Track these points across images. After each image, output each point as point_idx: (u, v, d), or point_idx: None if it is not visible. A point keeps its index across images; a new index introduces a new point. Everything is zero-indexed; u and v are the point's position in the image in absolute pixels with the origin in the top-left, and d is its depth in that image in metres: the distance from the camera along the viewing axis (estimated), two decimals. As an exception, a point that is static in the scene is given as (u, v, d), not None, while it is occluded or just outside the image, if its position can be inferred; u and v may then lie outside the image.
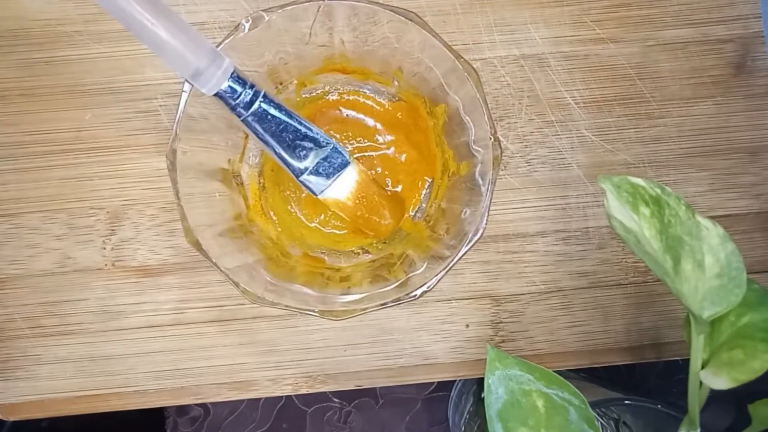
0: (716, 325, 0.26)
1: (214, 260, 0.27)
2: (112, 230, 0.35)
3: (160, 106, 0.35)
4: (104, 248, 0.35)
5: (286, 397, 0.36)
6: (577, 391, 0.25)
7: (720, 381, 0.25)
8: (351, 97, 0.33)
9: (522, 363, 0.26)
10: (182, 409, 0.36)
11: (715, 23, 0.36)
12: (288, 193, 0.33)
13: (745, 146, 0.36)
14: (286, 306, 0.27)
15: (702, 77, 0.36)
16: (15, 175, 0.35)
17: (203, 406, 0.36)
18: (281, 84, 0.32)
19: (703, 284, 0.25)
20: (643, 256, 0.24)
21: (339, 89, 0.33)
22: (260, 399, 0.36)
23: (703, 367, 0.26)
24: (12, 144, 0.35)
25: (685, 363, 0.36)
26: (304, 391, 0.35)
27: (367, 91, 0.33)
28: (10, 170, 0.35)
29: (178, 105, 0.26)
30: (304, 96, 0.33)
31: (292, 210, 0.33)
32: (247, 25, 0.26)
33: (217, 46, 0.26)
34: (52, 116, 0.35)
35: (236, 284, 0.27)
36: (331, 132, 0.33)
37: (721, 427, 0.35)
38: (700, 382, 0.26)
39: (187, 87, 0.26)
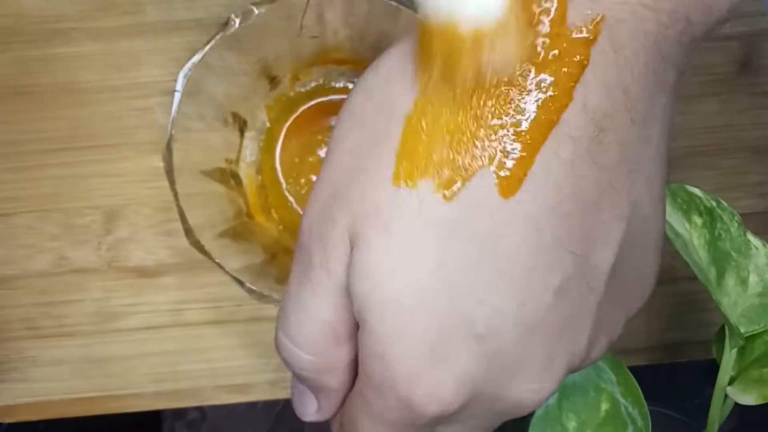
0: (749, 342, 0.26)
1: (217, 260, 0.27)
2: (108, 230, 0.35)
3: (156, 103, 0.34)
4: (100, 248, 0.35)
5: (285, 401, 0.36)
6: (647, 414, 0.25)
7: (747, 397, 0.26)
8: (348, 86, 0.33)
9: (614, 362, 0.26)
10: (179, 413, 0.36)
11: (720, 20, 0.35)
12: (287, 188, 0.33)
13: (751, 145, 0.36)
14: None
15: (707, 75, 0.35)
16: (10, 174, 0.35)
17: (200, 409, 0.36)
18: (275, 79, 0.31)
19: (744, 301, 0.26)
20: (689, 260, 0.25)
21: (333, 81, 0.33)
22: (258, 403, 0.36)
23: (730, 383, 0.26)
24: (7, 143, 0.34)
25: (691, 366, 0.36)
26: (302, 394, 0.35)
27: None
28: (5, 169, 0.35)
29: (172, 105, 0.26)
30: (299, 90, 0.33)
31: (293, 207, 0.33)
32: (237, 20, 0.26)
33: (207, 44, 0.26)
34: (48, 114, 0.34)
35: (241, 284, 0.27)
36: (331, 121, 0.33)
37: (724, 430, 0.35)
38: (725, 397, 0.26)
39: (180, 86, 0.26)
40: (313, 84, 0.33)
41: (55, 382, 0.35)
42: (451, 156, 0.18)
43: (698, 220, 0.26)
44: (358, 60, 0.32)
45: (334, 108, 0.33)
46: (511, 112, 0.18)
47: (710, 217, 0.26)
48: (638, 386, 0.26)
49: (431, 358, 0.18)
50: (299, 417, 0.22)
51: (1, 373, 0.35)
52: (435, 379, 0.18)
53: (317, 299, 0.20)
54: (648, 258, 0.21)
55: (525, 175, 0.18)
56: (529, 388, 0.19)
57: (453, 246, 0.18)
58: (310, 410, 0.22)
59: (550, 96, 0.17)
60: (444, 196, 0.18)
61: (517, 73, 0.18)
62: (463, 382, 0.19)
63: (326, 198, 0.20)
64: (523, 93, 0.18)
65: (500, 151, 0.18)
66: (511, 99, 0.18)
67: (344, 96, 0.33)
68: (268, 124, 0.33)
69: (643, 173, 0.19)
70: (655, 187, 0.20)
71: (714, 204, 0.26)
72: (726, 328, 0.26)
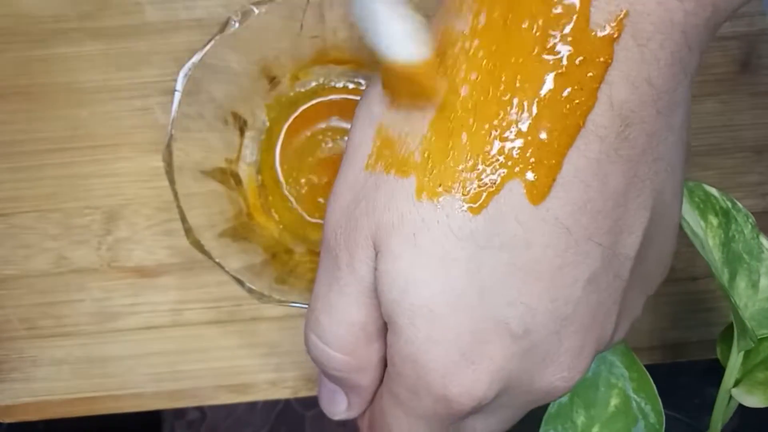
0: (754, 345, 0.26)
1: (217, 260, 0.27)
2: (108, 230, 0.34)
3: (156, 103, 0.34)
4: (99, 248, 0.34)
5: (285, 401, 0.36)
6: (661, 410, 0.25)
7: (753, 399, 0.26)
8: (348, 86, 0.33)
9: (628, 356, 0.26)
10: (179, 413, 0.36)
11: (720, 20, 0.35)
12: (288, 188, 0.33)
13: (751, 145, 0.36)
14: (293, 303, 0.27)
15: (707, 75, 0.35)
16: (10, 174, 0.34)
17: (200, 409, 0.36)
18: (274, 79, 0.31)
19: (754, 304, 0.26)
20: (707, 260, 0.25)
21: (333, 80, 0.33)
22: (258, 403, 0.36)
23: (735, 385, 0.26)
24: (7, 143, 0.34)
25: (691, 365, 0.35)
26: (303, 394, 0.35)
27: (362, 81, 0.33)
28: (5, 169, 0.34)
29: (172, 105, 0.26)
30: (298, 90, 0.33)
31: (293, 207, 0.33)
32: (237, 20, 0.26)
33: (207, 44, 0.26)
34: (48, 114, 0.34)
35: (241, 283, 0.27)
36: (332, 121, 0.33)
37: (726, 430, 0.35)
38: (729, 399, 0.26)
39: (180, 86, 0.26)
40: (313, 84, 0.33)
41: (55, 382, 0.35)
42: (478, 171, 0.18)
43: (714, 221, 0.26)
44: (358, 60, 0.32)
45: (335, 107, 0.33)
46: (539, 123, 0.17)
47: (726, 218, 0.26)
48: (652, 382, 0.26)
49: (465, 359, 0.19)
50: (328, 416, 0.22)
51: (1, 372, 0.35)
52: (470, 377, 0.19)
53: (346, 299, 0.20)
54: (667, 241, 0.21)
55: (554, 181, 0.17)
56: (560, 377, 0.19)
57: (482, 255, 0.18)
58: (340, 409, 0.22)
59: (577, 103, 0.17)
60: (471, 209, 0.18)
61: (543, 84, 0.17)
62: (497, 378, 0.19)
63: (349, 200, 0.20)
64: (549, 102, 0.17)
65: (527, 161, 0.17)
66: (539, 110, 0.17)
67: (344, 96, 0.33)
68: (268, 124, 0.33)
69: (666, 160, 0.19)
70: (676, 173, 0.20)
71: (730, 205, 0.26)
72: (735, 329, 0.25)
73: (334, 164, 0.33)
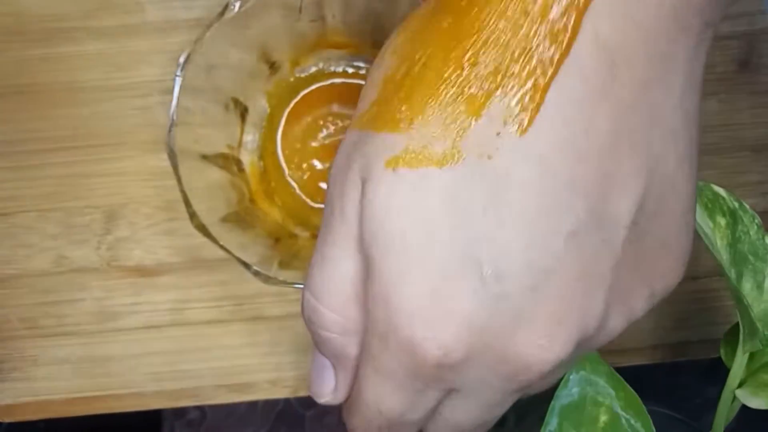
0: (763, 346, 0.26)
1: (221, 243, 0.27)
2: (108, 229, 0.35)
3: (157, 103, 0.34)
4: (100, 248, 0.34)
5: (285, 401, 0.36)
6: (652, 428, 0.25)
7: (758, 401, 0.25)
8: (348, 70, 0.33)
9: (612, 377, 0.26)
10: (179, 413, 0.36)
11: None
12: (290, 174, 0.33)
13: (750, 144, 0.36)
14: (298, 285, 0.27)
15: (706, 74, 0.35)
16: (10, 173, 0.35)
17: (200, 409, 0.36)
18: (274, 65, 0.32)
19: (759, 305, 0.26)
20: (717, 260, 0.25)
21: (333, 65, 0.33)
22: (258, 402, 0.36)
23: (738, 386, 0.26)
24: (7, 142, 0.35)
25: (691, 365, 0.35)
26: (303, 394, 0.35)
27: (362, 64, 0.33)
28: (6, 168, 0.35)
29: (173, 90, 0.26)
30: (298, 75, 0.33)
31: (296, 192, 0.33)
32: (237, 5, 0.26)
33: (207, 29, 0.26)
34: (48, 113, 0.35)
35: (247, 266, 0.27)
36: (333, 107, 0.33)
37: (725, 430, 0.35)
38: (732, 399, 0.26)
39: (180, 72, 0.26)
40: (312, 69, 0.33)
41: (56, 382, 0.35)
42: (458, 98, 0.18)
43: (722, 221, 0.26)
44: (357, 44, 0.32)
45: (335, 92, 0.33)
46: (520, 49, 0.17)
47: (733, 218, 0.26)
48: (640, 399, 0.26)
49: (433, 298, 0.18)
50: (315, 398, 0.22)
51: (2, 372, 0.35)
52: (436, 319, 0.18)
53: (336, 250, 0.20)
54: (673, 227, 0.20)
55: (536, 113, 0.17)
56: (536, 344, 0.18)
57: (459, 184, 0.18)
58: (327, 389, 0.22)
59: (559, 28, 0.17)
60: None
61: (524, 5, 0.17)
62: (465, 326, 0.18)
63: (350, 146, 0.20)
64: (532, 28, 0.17)
65: (510, 90, 0.17)
66: (519, 36, 0.17)
67: (344, 80, 0.33)
68: (268, 110, 0.33)
69: (666, 125, 0.18)
70: (680, 142, 0.19)
71: (737, 205, 0.26)
72: (741, 330, 0.25)
73: (335, 149, 0.33)
